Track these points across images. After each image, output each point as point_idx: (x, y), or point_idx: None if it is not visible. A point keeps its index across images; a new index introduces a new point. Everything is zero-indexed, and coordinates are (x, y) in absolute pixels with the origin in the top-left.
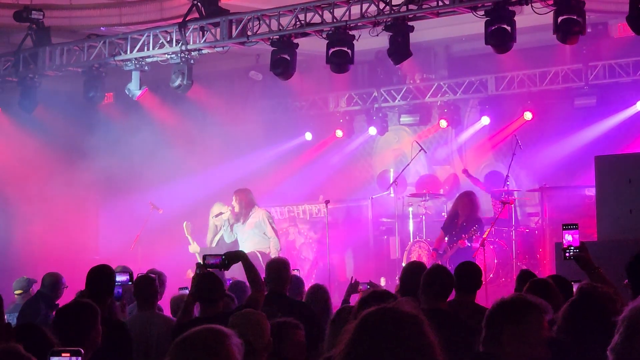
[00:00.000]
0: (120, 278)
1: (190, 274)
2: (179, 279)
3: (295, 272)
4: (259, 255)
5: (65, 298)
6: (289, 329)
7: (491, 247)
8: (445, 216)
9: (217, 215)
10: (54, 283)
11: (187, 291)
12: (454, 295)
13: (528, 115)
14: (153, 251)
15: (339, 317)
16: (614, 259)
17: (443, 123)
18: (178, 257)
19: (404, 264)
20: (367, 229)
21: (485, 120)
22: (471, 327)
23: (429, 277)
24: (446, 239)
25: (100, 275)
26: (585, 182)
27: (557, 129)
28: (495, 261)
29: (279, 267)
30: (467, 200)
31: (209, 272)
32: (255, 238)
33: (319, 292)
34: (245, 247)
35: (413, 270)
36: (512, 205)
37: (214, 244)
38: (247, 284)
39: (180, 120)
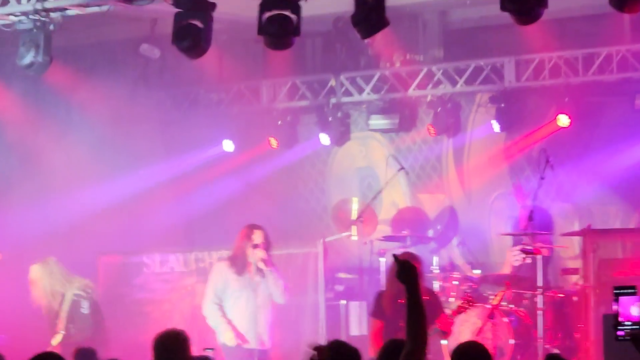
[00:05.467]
0: None
1: None
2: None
3: (208, 353)
4: None
5: None
6: None
7: (505, 319)
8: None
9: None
10: None
11: None
12: None
13: (563, 120)
14: None
15: None
16: None
17: (432, 131)
18: None
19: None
20: (315, 289)
21: (497, 127)
22: None
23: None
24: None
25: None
26: None
27: (609, 140)
28: (512, 342)
29: (172, 345)
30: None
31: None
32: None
33: None
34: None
35: (392, 349)
36: (540, 257)
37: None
38: None
39: (33, 114)
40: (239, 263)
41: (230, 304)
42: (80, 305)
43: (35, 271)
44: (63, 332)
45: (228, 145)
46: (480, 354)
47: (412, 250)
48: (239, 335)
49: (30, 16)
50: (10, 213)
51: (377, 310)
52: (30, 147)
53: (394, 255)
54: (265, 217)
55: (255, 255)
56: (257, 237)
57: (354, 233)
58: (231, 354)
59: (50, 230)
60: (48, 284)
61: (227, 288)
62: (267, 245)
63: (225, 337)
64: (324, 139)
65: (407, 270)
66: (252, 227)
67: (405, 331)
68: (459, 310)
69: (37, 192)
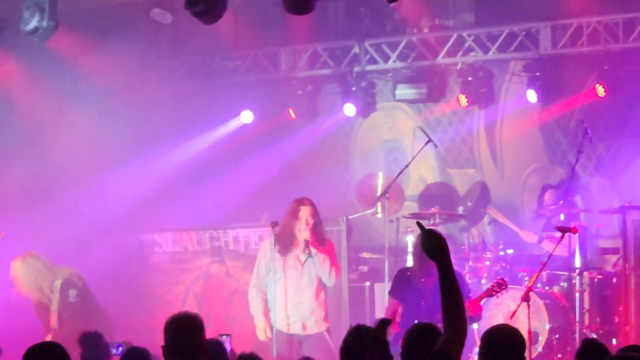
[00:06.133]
0: None
1: None
2: None
3: (223, 339)
4: None
5: None
6: None
7: (541, 302)
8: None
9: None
10: None
11: None
12: None
13: (600, 91)
14: None
15: None
16: None
17: (464, 100)
18: None
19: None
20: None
21: (532, 97)
22: None
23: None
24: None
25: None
26: None
27: None
28: (547, 326)
29: (185, 329)
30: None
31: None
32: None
33: None
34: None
35: (422, 332)
36: (576, 235)
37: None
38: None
39: (36, 83)
40: (283, 241)
41: (271, 286)
42: (68, 295)
43: (17, 268)
44: (56, 329)
45: (246, 117)
46: (514, 339)
47: (440, 228)
48: (270, 331)
49: None
50: (10, 192)
51: (395, 289)
52: (33, 120)
53: (418, 223)
54: (285, 193)
55: (303, 233)
56: (304, 213)
57: (379, 210)
58: (276, 336)
59: (53, 210)
60: (33, 279)
61: (270, 268)
62: (315, 222)
63: (257, 330)
64: (349, 109)
65: (433, 240)
66: (299, 202)
67: (425, 314)
68: (488, 294)
69: (39, 172)
